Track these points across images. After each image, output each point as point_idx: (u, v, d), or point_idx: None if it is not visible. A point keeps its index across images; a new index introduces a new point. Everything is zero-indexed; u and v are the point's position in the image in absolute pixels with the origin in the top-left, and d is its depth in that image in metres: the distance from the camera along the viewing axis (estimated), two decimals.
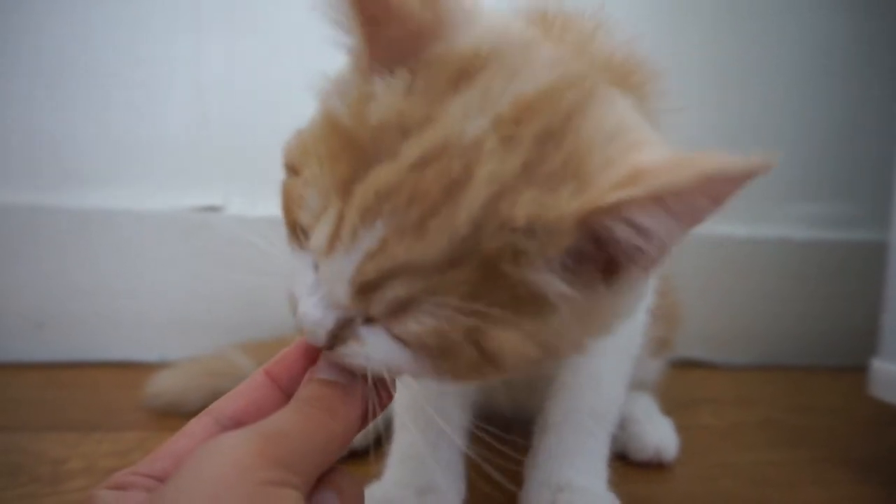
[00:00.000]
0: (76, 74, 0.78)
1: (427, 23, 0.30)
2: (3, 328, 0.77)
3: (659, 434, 0.62)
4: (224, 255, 0.81)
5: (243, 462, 0.26)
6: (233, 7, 0.81)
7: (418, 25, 0.29)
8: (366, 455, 0.52)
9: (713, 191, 0.26)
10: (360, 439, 0.38)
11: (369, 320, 0.31)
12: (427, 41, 0.30)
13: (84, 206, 0.79)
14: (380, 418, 0.35)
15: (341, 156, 0.30)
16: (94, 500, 0.29)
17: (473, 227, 0.28)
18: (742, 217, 0.95)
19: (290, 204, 0.32)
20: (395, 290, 0.29)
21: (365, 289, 0.29)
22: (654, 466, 0.61)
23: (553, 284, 0.29)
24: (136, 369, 0.74)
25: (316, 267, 0.31)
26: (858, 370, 0.67)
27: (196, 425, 0.33)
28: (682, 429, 0.64)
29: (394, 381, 0.34)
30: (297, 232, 0.32)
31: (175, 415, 0.65)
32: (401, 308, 0.29)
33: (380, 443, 0.51)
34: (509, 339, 0.30)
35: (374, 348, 0.31)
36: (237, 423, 0.33)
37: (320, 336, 0.31)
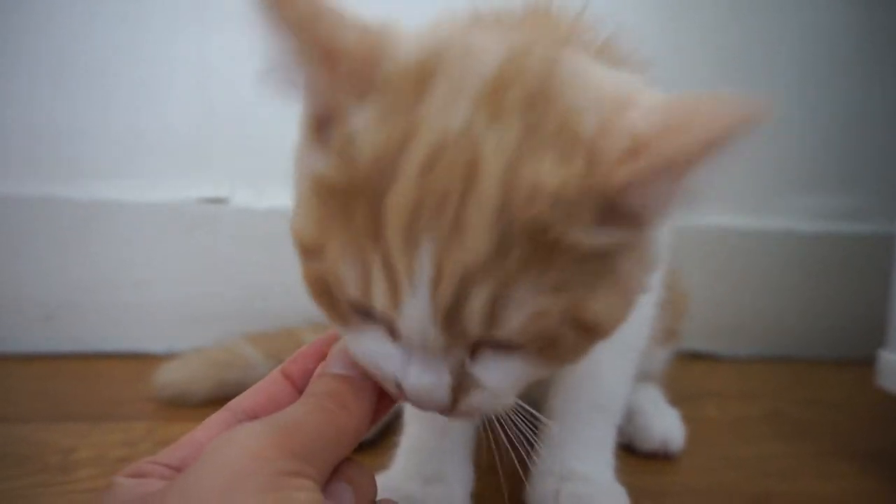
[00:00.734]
0: (80, 67, 0.78)
1: (365, 52, 0.29)
2: (12, 320, 0.78)
3: (665, 425, 0.62)
4: (230, 247, 0.81)
5: (259, 452, 0.27)
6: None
7: (357, 56, 0.29)
8: (375, 446, 0.53)
9: (719, 149, 0.26)
10: (369, 430, 0.38)
11: (473, 353, 0.31)
12: (372, 68, 0.29)
13: (90, 198, 0.79)
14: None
15: (351, 210, 0.28)
16: (114, 487, 0.29)
17: (501, 206, 0.27)
18: (747, 209, 0.95)
19: (328, 289, 0.30)
20: (478, 298, 0.28)
21: (451, 314, 0.28)
22: (661, 457, 0.61)
23: (601, 238, 0.28)
24: (144, 361, 0.74)
25: (392, 334, 0.30)
26: (864, 362, 0.67)
27: (215, 419, 0.34)
28: (687, 421, 0.64)
29: None
30: (350, 312, 0.31)
31: (182, 405, 0.65)
32: (492, 312, 0.28)
33: (389, 433, 0.51)
34: (599, 303, 0.30)
35: (492, 380, 0.31)
36: (253, 417, 0.33)
37: (443, 397, 0.30)
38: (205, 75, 0.81)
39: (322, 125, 0.30)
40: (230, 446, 0.27)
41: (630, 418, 0.61)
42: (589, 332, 0.31)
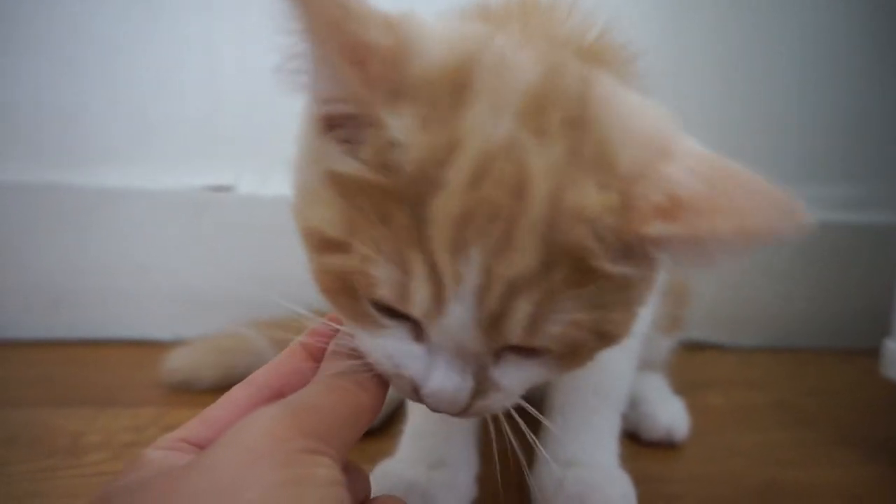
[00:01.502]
0: (88, 54, 0.78)
1: (393, 49, 0.28)
2: (20, 306, 0.78)
3: (670, 414, 0.62)
4: (235, 235, 0.82)
5: (277, 433, 0.27)
6: None
7: (386, 54, 0.28)
8: (380, 433, 0.53)
9: (752, 241, 0.27)
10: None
11: (496, 357, 0.31)
12: (401, 66, 0.28)
13: (96, 185, 0.79)
14: (395, 397, 0.36)
15: (390, 209, 0.28)
16: (142, 457, 0.30)
17: (549, 223, 0.28)
18: None
19: (347, 286, 0.30)
20: (523, 308, 0.28)
21: (495, 323, 0.29)
22: (665, 446, 0.61)
23: (624, 270, 0.29)
24: (150, 347, 0.75)
25: (416, 337, 0.31)
26: (868, 352, 0.66)
27: (237, 393, 0.35)
28: (691, 409, 0.64)
29: None
30: (370, 310, 0.31)
31: (189, 391, 0.66)
32: (534, 323, 0.29)
33: (394, 421, 0.52)
34: (620, 316, 0.31)
35: (510, 383, 0.32)
36: (277, 392, 0.34)
37: (464, 401, 0.31)
38: (213, 63, 0.81)
39: (338, 122, 0.30)
40: (249, 429, 0.28)
41: (635, 407, 0.61)
42: (605, 340, 0.32)
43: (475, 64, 0.29)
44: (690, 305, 0.67)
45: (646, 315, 0.49)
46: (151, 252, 0.81)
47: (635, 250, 0.29)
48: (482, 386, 0.31)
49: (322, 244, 0.31)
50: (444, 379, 0.30)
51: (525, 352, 0.31)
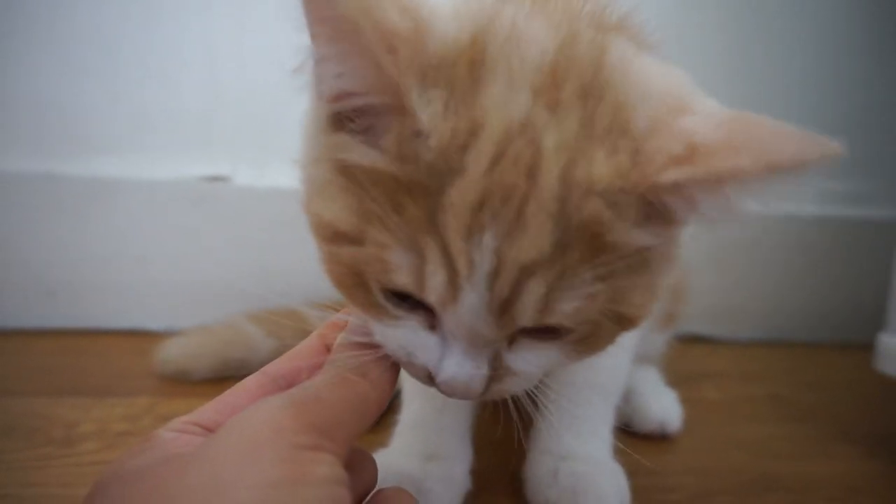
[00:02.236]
0: (88, 45, 0.78)
1: (413, 32, 0.28)
2: (16, 296, 0.78)
3: (663, 406, 0.62)
4: (231, 225, 0.82)
5: (278, 425, 0.27)
6: None
7: (409, 39, 0.28)
8: (374, 424, 0.54)
9: (778, 175, 0.26)
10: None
11: (511, 342, 0.31)
12: (422, 50, 0.28)
13: (93, 175, 0.79)
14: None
15: (403, 200, 0.28)
16: (153, 438, 0.30)
17: (561, 201, 0.27)
18: None
19: (361, 277, 0.30)
20: (534, 290, 0.28)
21: (506, 307, 0.29)
22: (658, 438, 0.61)
23: (643, 237, 0.29)
24: (145, 337, 0.75)
25: (430, 325, 0.31)
26: (865, 346, 0.67)
27: (252, 380, 0.35)
28: (686, 402, 0.64)
29: None
30: (383, 301, 0.31)
31: (184, 381, 0.66)
32: (546, 303, 0.28)
33: (388, 412, 0.52)
34: (638, 297, 0.31)
35: (525, 368, 0.32)
36: (290, 383, 0.33)
37: (479, 387, 0.31)
38: (210, 54, 0.81)
39: (352, 117, 0.30)
40: (251, 419, 0.27)
41: (628, 399, 0.61)
42: (622, 324, 0.32)
43: (488, 37, 0.29)
44: (685, 301, 0.67)
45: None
46: (148, 242, 0.81)
47: (655, 210, 0.29)
48: (497, 372, 0.31)
49: (334, 237, 0.31)
50: (458, 367, 0.30)
51: (540, 335, 0.31)
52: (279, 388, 0.34)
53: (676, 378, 0.68)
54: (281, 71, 0.94)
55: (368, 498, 0.34)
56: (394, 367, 0.33)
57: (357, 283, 0.31)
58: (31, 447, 0.52)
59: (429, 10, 0.29)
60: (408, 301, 0.30)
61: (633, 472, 0.47)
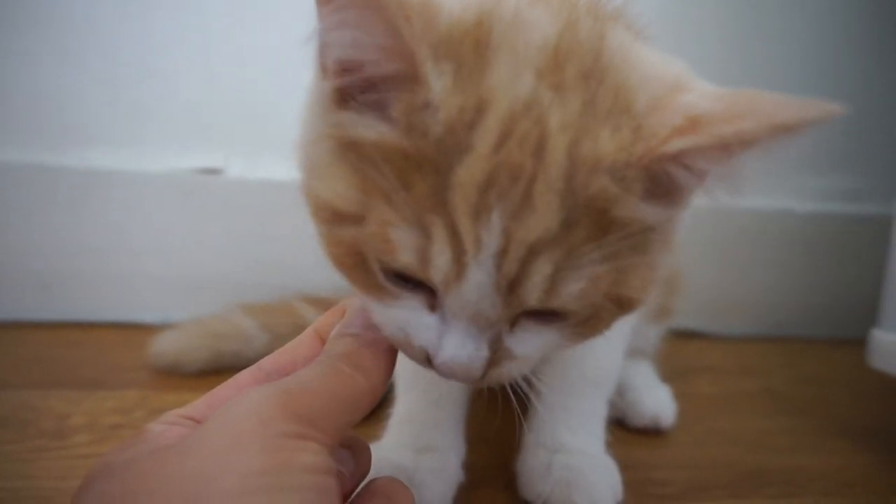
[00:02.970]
0: (80, 35, 0.77)
1: (423, 6, 0.28)
2: (9, 288, 0.78)
3: (657, 401, 0.62)
4: (225, 218, 0.81)
5: (264, 415, 0.27)
6: None
7: (422, 11, 0.28)
8: (366, 416, 0.53)
9: (783, 135, 0.27)
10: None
11: (512, 325, 0.31)
12: (432, 20, 0.28)
13: (86, 167, 0.78)
14: None
15: (412, 176, 0.28)
16: (144, 432, 0.30)
17: (567, 179, 0.27)
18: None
19: (362, 258, 0.30)
20: (541, 270, 0.28)
21: (513, 287, 0.29)
22: (652, 432, 0.61)
23: (649, 213, 0.29)
24: (138, 330, 0.75)
25: (430, 306, 0.30)
26: (857, 341, 0.67)
27: (245, 375, 0.34)
28: (680, 396, 0.64)
29: None
30: (384, 282, 0.30)
31: (177, 374, 0.66)
32: (552, 283, 0.29)
33: (381, 405, 0.52)
34: (639, 280, 0.31)
35: (524, 351, 0.32)
36: (284, 376, 0.33)
37: (479, 370, 0.30)
38: (205, 47, 0.80)
39: (359, 91, 0.29)
40: (237, 408, 0.27)
41: (622, 394, 0.61)
42: (623, 307, 0.32)
43: (493, 20, 0.29)
44: (680, 295, 0.67)
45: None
46: (142, 235, 0.80)
47: (660, 186, 0.29)
48: (497, 355, 0.31)
49: (334, 217, 0.31)
50: (458, 348, 0.30)
51: (541, 318, 0.31)
52: (272, 381, 0.34)
53: (671, 372, 0.68)
54: (274, 63, 0.93)
55: (361, 487, 0.34)
56: (389, 359, 0.33)
57: (357, 264, 0.31)
58: (22, 439, 0.51)
59: None
60: (409, 281, 0.30)
61: (626, 466, 0.47)
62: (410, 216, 0.28)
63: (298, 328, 0.71)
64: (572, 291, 0.29)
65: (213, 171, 0.81)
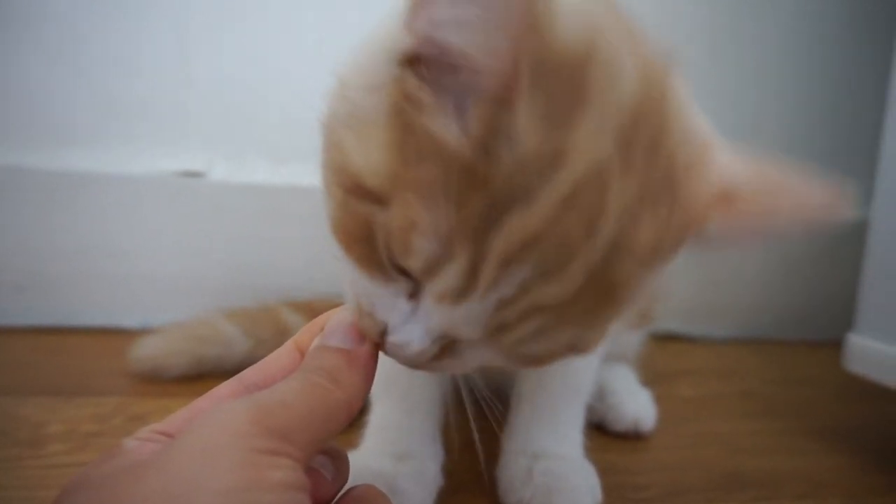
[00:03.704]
0: (56, 33, 0.76)
1: (539, 17, 0.24)
2: None
3: (637, 405, 0.63)
4: (207, 222, 0.80)
5: (237, 430, 0.26)
6: None
7: (534, 24, 0.24)
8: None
9: (812, 224, 0.28)
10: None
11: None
12: (541, 40, 0.25)
13: (64, 169, 0.77)
14: None
15: (465, 197, 0.25)
16: (118, 447, 0.29)
17: (605, 259, 0.27)
18: None
19: (370, 237, 0.29)
20: (528, 328, 0.28)
21: (499, 329, 0.28)
22: (632, 437, 0.62)
23: (649, 279, 0.29)
24: (117, 335, 0.74)
25: (411, 294, 0.30)
26: (835, 344, 0.68)
27: (223, 389, 0.33)
28: (660, 400, 0.65)
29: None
30: (381, 265, 0.29)
31: (157, 380, 0.65)
32: (529, 338, 0.29)
33: (360, 412, 0.51)
34: (597, 335, 0.31)
35: (471, 358, 0.31)
36: (263, 389, 0.32)
37: (421, 361, 0.31)
38: (187, 47, 0.79)
39: (436, 67, 0.26)
40: (209, 423, 0.27)
41: (602, 398, 0.62)
42: (571, 354, 0.31)
43: (594, 54, 0.26)
44: (661, 300, 0.68)
45: None
46: (122, 238, 0.79)
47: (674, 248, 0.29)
48: (444, 353, 0.31)
49: (355, 188, 0.28)
50: (415, 339, 0.30)
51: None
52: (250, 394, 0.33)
53: (652, 376, 0.69)
54: (258, 66, 0.93)
55: (338, 497, 0.34)
56: (368, 372, 0.33)
57: (363, 238, 0.29)
58: None
59: None
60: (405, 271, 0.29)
61: (605, 471, 0.48)
62: (444, 233, 0.26)
63: (282, 333, 0.71)
64: (542, 347, 0.29)
65: (195, 174, 0.81)
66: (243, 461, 0.25)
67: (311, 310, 0.74)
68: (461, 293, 0.27)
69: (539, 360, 0.32)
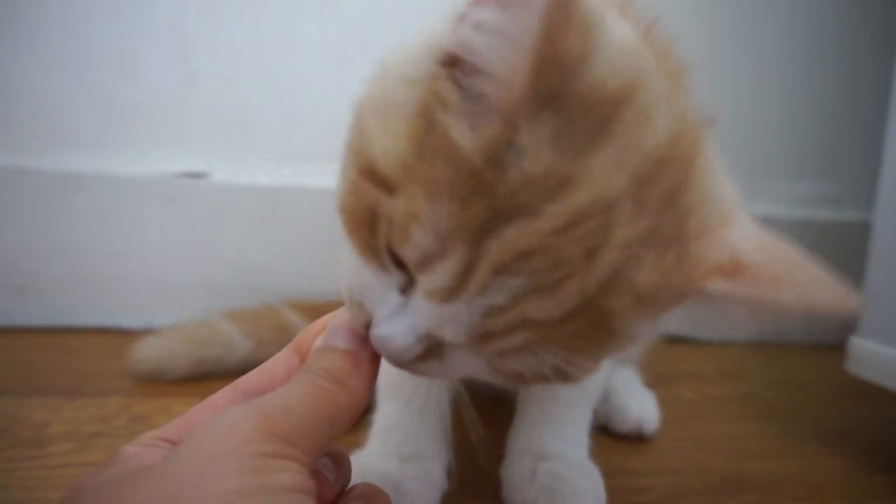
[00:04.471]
0: (55, 34, 0.76)
1: (575, 55, 0.25)
2: None
3: (641, 407, 0.63)
4: (208, 222, 0.80)
5: (242, 435, 0.26)
6: None
7: (567, 61, 0.25)
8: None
9: (813, 314, 0.28)
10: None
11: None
12: (571, 76, 0.26)
13: (65, 170, 0.77)
14: None
15: (469, 200, 0.26)
16: (119, 454, 0.29)
17: (601, 288, 0.27)
18: None
19: (372, 222, 0.29)
20: (514, 341, 0.28)
21: (485, 338, 0.29)
22: (635, 438, 0.62)
23: (644, 328, 0.30)
24: (119, 336, 0.74)
25: (402, 289, 0.30)
26: (835, 347, 0.68)
27: (220, 396, 0.33)
28: (662, 402, 0.65)
29: None
30: (379, 253, 0.30)
31: (158, 381, 0.65)
32: (514, 352, 0.29)
33: (363, 412, 0.51)
34: (589, 366, 0.31)
35: (454, 365, 0.32)
36: (260, 395, 0.32)
37: (405, 359, 0.31)
38: (186, 48, 0.79)
39: (467, 71, 0.27)
40: (214, 428, 0.27)
41: (606, 399, 0.62)
42: (559, 380, 0.31)
43: (627, 101, 0.27)
44: None
45: None
46: (121, 239, 0.79)
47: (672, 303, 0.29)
48: (428, 354, 0.31)
49: (369, 171, 0.29)
50: (401, 336, 0.30)
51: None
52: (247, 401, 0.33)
53: (654, 377, 0.69)
54: (258, 67, 0.93)
55: (342, 496, 0.34)
56: (372, 373, 0.33)
57: (367, 223, 0.29)
58: None
59: (601, 38, 0.26)
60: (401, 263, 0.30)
61: (606, 473, 0.48)
62: (443, 230, 0.27)
63: (282, 333, 0.71)
64: (526, 365, 0.30)
65: (196, 175, 0.81)
66: (249, 466, 0.25)
67: (313, 310, 0.75)
68: (451, 292, 0.28)
69: (523, 379, 0.31)
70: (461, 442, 0.47)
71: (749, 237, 0.30)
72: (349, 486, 0.35)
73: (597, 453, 0.49)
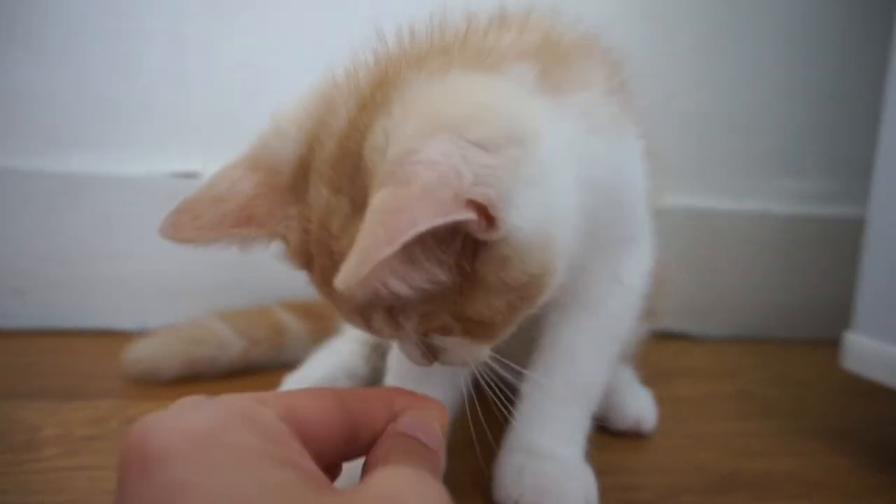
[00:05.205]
0: (54, 36, 0.76)
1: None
2: None
3: (639, 405, 0.63)
4: None
5: None
6: None
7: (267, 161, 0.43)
8: None
9: None
10: None
11: (425, 334, 0.37)
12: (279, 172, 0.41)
13: (61, 171, 0.77)
14: None
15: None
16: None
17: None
18: (723, 191, 0.95)
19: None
20: (377, 318, 0.35)
21: (368, 323, 0.36)
22: (632, 436, 0.62)
23: (442, 273, 0.33)
24: (114, 337, 0.73)
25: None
26: (832, 343, 0.68)
27: (322, 392, 0.35)
28: (659, 399, 0.65)
29: None
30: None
31: (152, 383, 0.65)
32: (394, 322, 0.36)
33: None
34: (480, 310, 0.35)
35: (451, 346, 0.38)
36: (293, 420, 0.31)
37: (423, 361, 0.40)
38: (181, 48, 0.79)
39: None
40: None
41: (604, 397, 0.61)
42: (482, 323, 0.36)
43: (315, 142, 0.38)
44: (666, 298, 0.67)
45: (626, 320, 0.49)
46: (117, 240, 0.79)
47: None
48: (431, 349, 0.39)
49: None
50: (407, 347, 0.39)
51: (437, 331, 0.36)
52: (345, 415, 0.33)
53: (650, 375, 0.68)
54: (253, 66, 0.92)
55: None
56: (442, 450, 0.35)
57: None
58: None
59: (285, 120, 0.43)
60: None
61: (601, 471, 0.47)
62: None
63: (277, 332, 0.71)
64: (409, 325, 0.35)
65: (191, 175, 0.80)
66: None
67: (306, 310, 0.75)
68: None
69: (476, 332, 0.37)
70: (460, 440, 0.47)
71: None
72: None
73: (594, 451, 0.49)
